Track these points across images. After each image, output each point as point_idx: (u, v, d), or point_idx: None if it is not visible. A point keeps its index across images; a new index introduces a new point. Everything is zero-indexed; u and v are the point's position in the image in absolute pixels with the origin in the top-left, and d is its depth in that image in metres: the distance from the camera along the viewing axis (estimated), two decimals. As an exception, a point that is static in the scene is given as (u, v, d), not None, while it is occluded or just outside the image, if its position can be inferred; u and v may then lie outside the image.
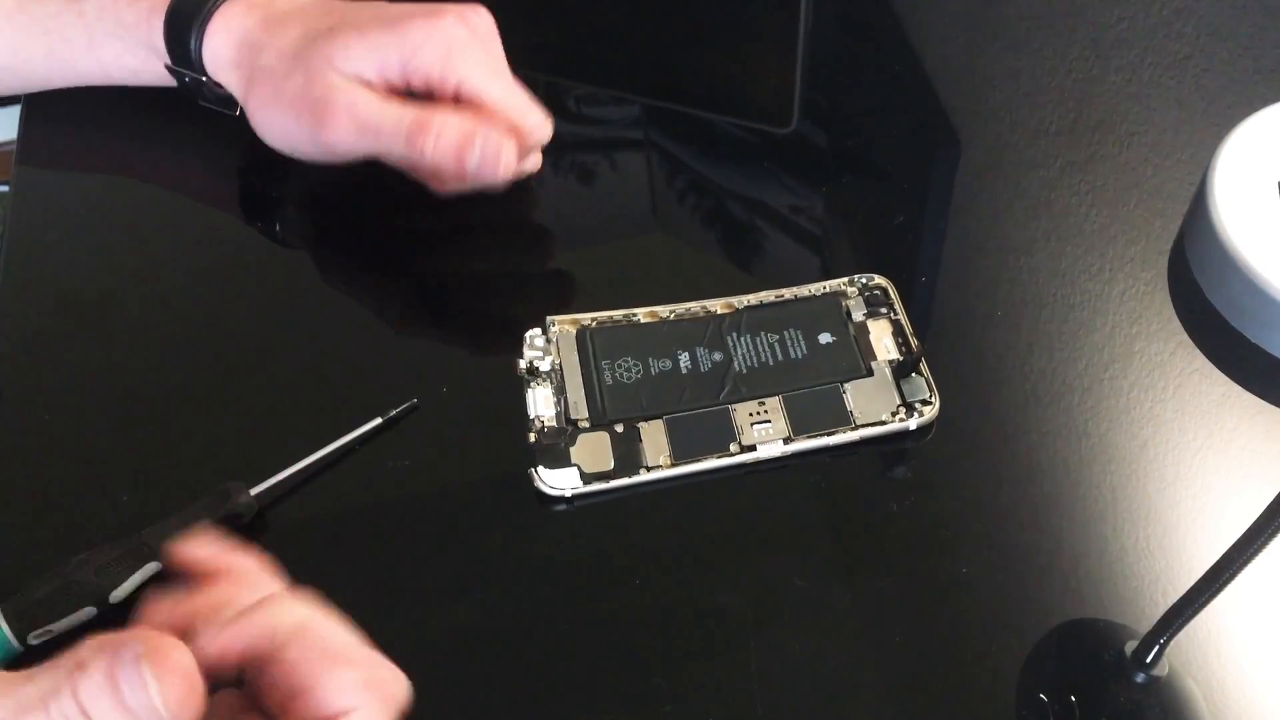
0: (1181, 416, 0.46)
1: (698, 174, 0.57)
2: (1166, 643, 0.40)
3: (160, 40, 0.52)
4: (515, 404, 0.46)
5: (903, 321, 0.48)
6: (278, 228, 0.54)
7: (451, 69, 0.49)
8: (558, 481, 0.43)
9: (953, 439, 0.46)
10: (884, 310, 0.48)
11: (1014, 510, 0.43)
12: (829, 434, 0.44)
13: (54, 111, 0.57)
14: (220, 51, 0.52)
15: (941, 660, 0.40)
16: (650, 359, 0.47)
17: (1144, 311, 0.49)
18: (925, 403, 0.45)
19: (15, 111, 0.58)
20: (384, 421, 0.45)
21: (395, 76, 0.50)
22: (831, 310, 0.48)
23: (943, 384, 0.46)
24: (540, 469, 0.44)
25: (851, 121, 0.59)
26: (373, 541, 0.43)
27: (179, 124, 0.56)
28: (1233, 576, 0.41)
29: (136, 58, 0.54)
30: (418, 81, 0.50)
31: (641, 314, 0.48)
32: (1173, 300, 0.49)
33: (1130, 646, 0.40)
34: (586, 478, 0.44)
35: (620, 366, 0.46)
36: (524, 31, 0.64)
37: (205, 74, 0.53)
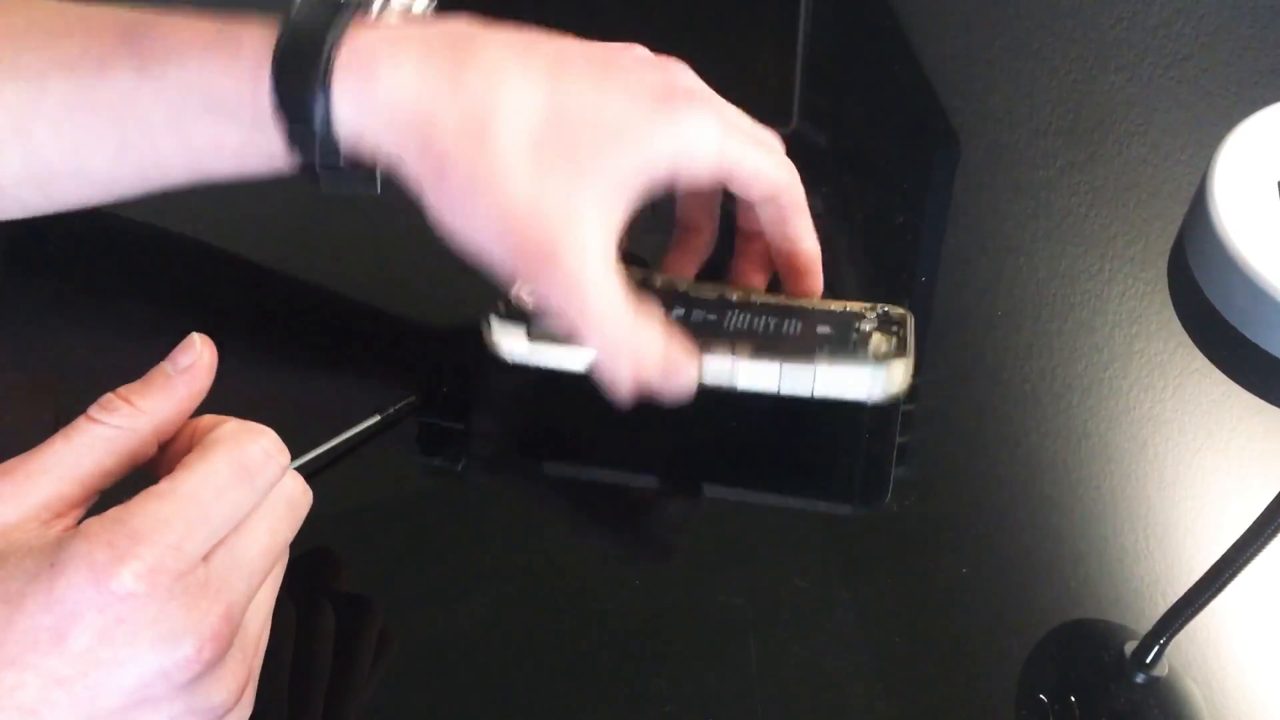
0: (1181, 416, 0.46)
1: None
2: (1166, 643, 0.40)
3: (269, 104, 0.39)
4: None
5: (909, 347, 0.43)
6: (277, 226, 0.54)
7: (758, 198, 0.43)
8: (507, 338, 0.40)
9: (953, 439, 0.46)
10: (895, 329, 0.43)
11: (1014, 510, 0.43)
12: (786, 359, 0.40)
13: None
14: (365, 108, 0.38)
15: (941, 660, 0.40)
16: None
17: (1144, 311, 0.49)
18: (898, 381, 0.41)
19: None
20: (382, 419, 0.45)
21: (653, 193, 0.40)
22: (841, 322, 0.44)
23: (943, 384, 0.46)
24: (492, 317, 0.40)
25: (851, 121, 0.59)
26: (371, 539, 0.43)
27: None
28: (1233, 577, 0.41)
29: (238, 135, 0.40)
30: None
31: (659, 279, 0.46)
32: (1173, 300, 0.49)
33: (1130, 647, 0.40)
34: (534, 334, 0.40)
35: None
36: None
37: (338, 144, 0.39)
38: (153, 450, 0.35)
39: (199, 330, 0.36)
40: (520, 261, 0.38)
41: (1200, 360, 0.47)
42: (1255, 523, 0.42)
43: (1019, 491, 0.44)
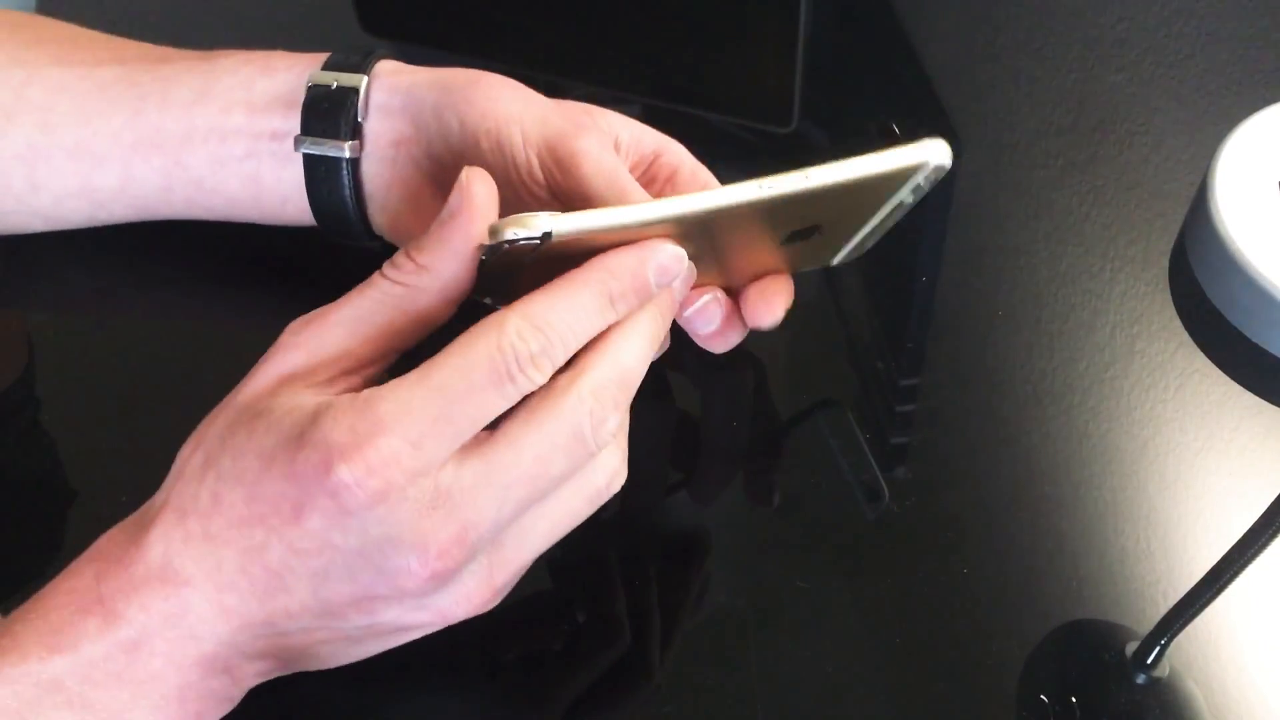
0: (1182, 416, 0.46)
1: (698, 174, 0.57)
2: (1167, 644, 0.40)
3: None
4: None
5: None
6: (275, 226, 0.54)
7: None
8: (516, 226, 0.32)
9: (953, 439, 0.46)
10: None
11: (1014, 510, 0.43)
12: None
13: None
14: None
15: (941, 660, 0.40)
16: None
17: (1145, 311, 0.49)
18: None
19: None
20: None
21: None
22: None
23: (943, 384, 0.46)
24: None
25: (851, 121, 0.59)
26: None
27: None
28: (1234, 577, 0.41)
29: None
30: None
31: None
32: (1174, 300, 0.49)
33: (1131, 647, 0.40)
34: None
35: None
36: (524, 31, 0.64)
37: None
38: (446, 312, 0.33)
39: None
40: None
41: (1201, 360, 0.47)
42: (1256, 523, 0.42)
43: (1019, 491, 0.44)
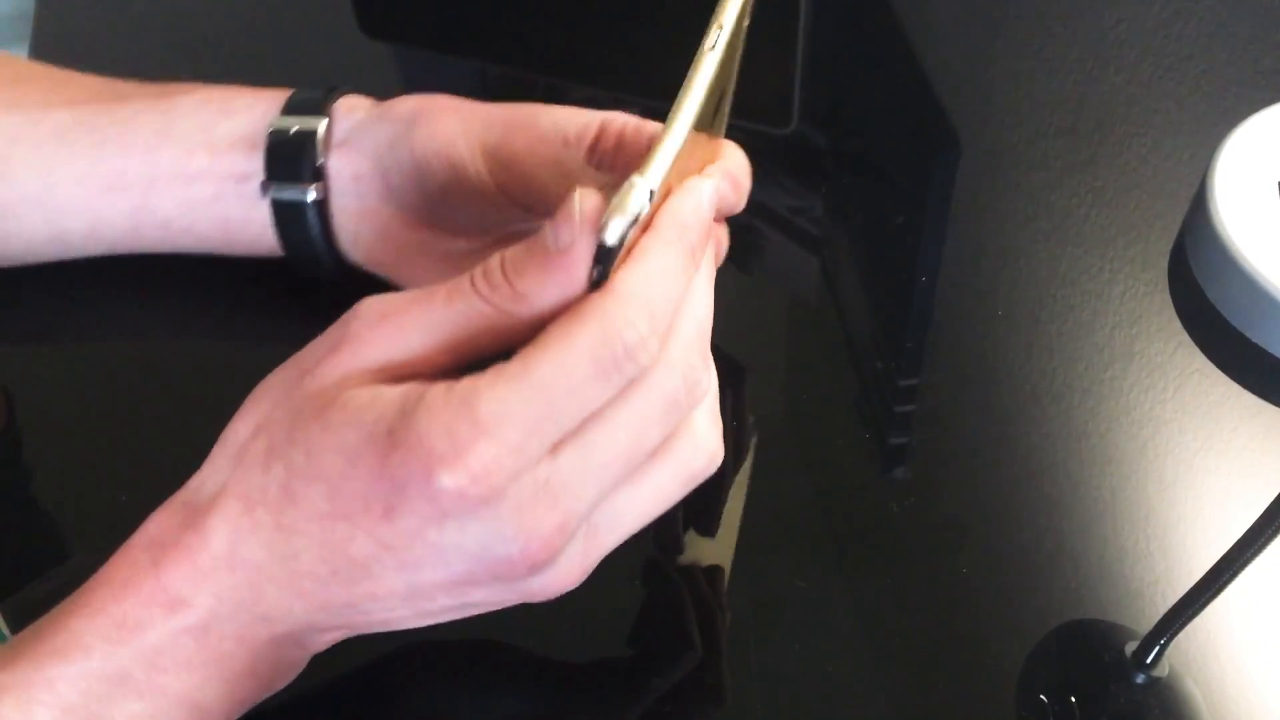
0: (1182, 417, 0.46)
1: (698, 174, 0.57)
2: (1167, 644, 0.40)
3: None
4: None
5: None
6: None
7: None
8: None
9: (953, 439, 0.46)
10: None
11: (1014, 510, 0.43)
12: None
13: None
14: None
15: (941, 660, 0.40)
16: None
17: (1144, 312, 0.49)
18: None
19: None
20: None
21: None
22: None
23: (943, 384, 0.46)
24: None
25: (851, 122, 0.59)
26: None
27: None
28: (1233, 577, 0.41)
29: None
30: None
31: None
32: (1173, 301, 0.49)
33: (1130, 647, 0.40)
34: None
35: None
36: (524, 33, 0.64)
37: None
38: (531, 334, 0.31)
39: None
40: None
41: (1201, 360, 0.47)
42: (1256, 523, 0.42)
43: (1019, 491, 0.44)
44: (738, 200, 0.37)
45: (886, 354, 0.49)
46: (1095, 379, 0.47)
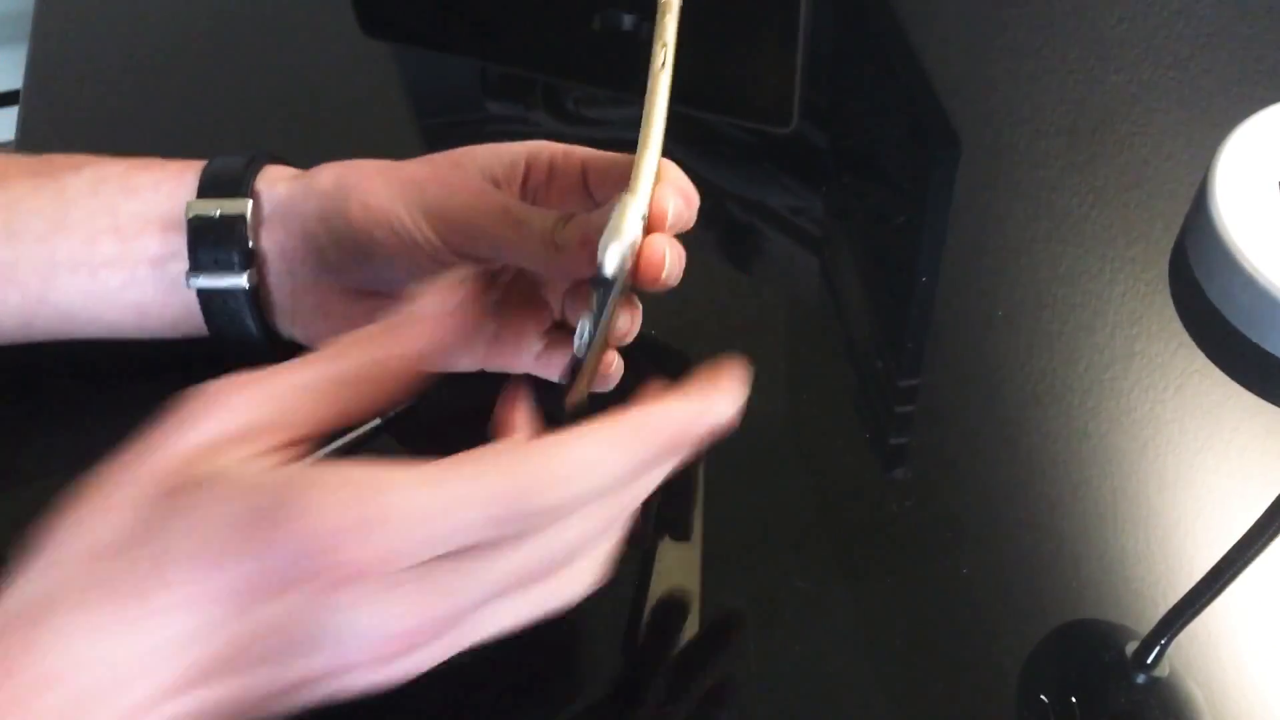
0: (1182, 417, 0.46)
1: (697, 174, 0.57)
2: (1167, 644, 0.40)
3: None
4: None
5: None
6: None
7: None
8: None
9: (953, 439, 0.46)
10: None
11: (1014, 510, 0.43)
12: None
13: (53, 114, 0.57)
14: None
15: (941, 660, 0.40)
16: None
17: (1145, 312, 0.49)
18: None
19: (14, 112, 0.58)
20: (381, 423, 0.45)
21: None
22: None
23: (943, 384, 0.46)
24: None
25: (851, 121, 0.59)
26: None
27: (180, 128, 0.56)
28: (1234, 577, 0.41)
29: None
30: None
31: None
32: (1174, 301, 0.49)
33: (1131, 647, 0.40)
34: None
35: None
36: (523, 32, 0.64)
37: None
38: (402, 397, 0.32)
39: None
40: None
41: (1201, 360, 0.47)
42: (1256, 523, 0.42)
43: (1019, 491, 0.44)
44: (690, 216, 0.38)
45: (886, 354, 0.49)
46: (1096, 379, 0.47)
